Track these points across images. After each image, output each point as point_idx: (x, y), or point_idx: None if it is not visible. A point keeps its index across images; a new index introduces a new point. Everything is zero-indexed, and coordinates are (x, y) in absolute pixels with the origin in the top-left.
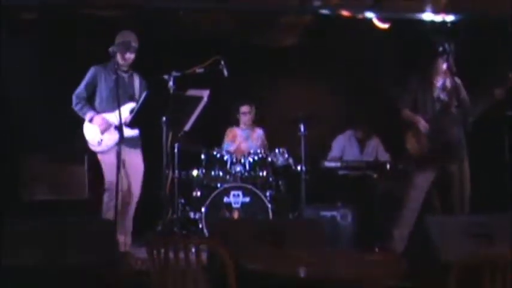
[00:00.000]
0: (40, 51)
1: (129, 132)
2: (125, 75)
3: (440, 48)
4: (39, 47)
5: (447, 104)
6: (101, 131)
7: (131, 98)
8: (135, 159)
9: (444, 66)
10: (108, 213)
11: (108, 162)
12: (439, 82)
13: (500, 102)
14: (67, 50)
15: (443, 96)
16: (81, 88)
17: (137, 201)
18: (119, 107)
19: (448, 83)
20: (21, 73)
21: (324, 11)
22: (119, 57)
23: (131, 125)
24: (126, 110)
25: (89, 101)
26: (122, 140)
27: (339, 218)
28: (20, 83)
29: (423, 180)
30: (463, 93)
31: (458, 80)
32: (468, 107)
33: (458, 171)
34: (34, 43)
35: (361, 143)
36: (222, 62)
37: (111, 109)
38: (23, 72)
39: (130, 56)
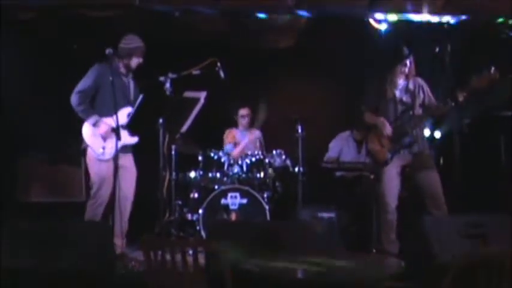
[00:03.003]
0: (38, 51)
1: (128, 139)
2: (125, 79)
3: (403, 51)
4: (37, 47)
5: (410, 106)
6: (103, 138)
7: (129, 102)
8: (128, 164)
9: (406, 68)
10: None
11: (102, 172)
12: (400, 84)
13: (462, 104)
14: (64, 51)
15: (405, 98)
16: (86, 86)
17: (131, 204)
18: (118, 108)
19: (411, 85)
20: (19, 73)
21: (320, 12)
22: (130, 61)
23: (128, 128)
24: (125, 114)
25: (90, 101)
26: (119, 145)
27: (335, 219)
28: (18, 83)
29: (392, 182)
30: (428, 94)
31: (422, 82)
32: (433, 108)
33: (426, 177)
34: (32, 43)
35: (359, 144)
36: (219, 64)
37: (110, 113)
38: (22, 73)
39: (140, 61)
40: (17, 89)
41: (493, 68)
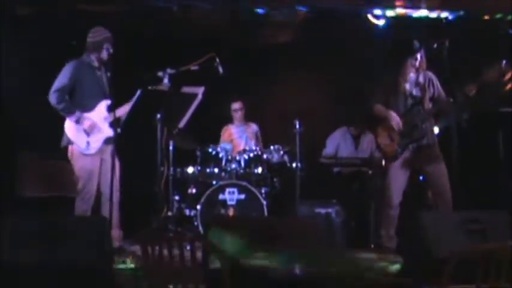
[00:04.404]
0: (36, 46)
1: (110, 132)
2: (99, 72)
3: (414, 45)
4: (36, 43)
5: (419, 99)
6: (87, 133)
7: (105, 95)
8: (111, 155)
9: (417, 62)
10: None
11: (87, 166)
12: (411, 77)
13: (472, 99)
14: (63, 47)
15: (415, 91)
16: (63, 84)
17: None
18: (111, 103)
19: (421, 78)
20: (17, 69)
21: (318, 8)
22: (101, 53)
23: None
24: (103, 107)
25: (69, 98)
26: (114, 139)
27: (333, 214)
28: (16, 79)
29: (398, 177)
30: (438, 88)
31: (432, 76)
32: (444, 102)
33: (434, 170)
34: (30, 39)
35: (356, 139)
36: (217, 59)
37: (91, 107)
38: (20, 68)
39: (111, 51)
40: (16, 84)
41: (504, 61)
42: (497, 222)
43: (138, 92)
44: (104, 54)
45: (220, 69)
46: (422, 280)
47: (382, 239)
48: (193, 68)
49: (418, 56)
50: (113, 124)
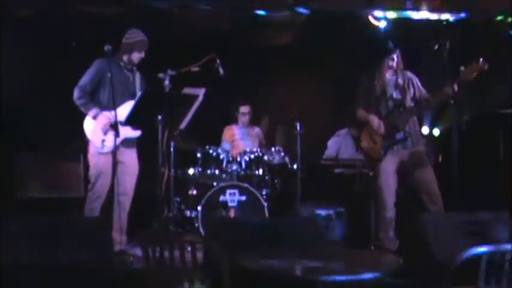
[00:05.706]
0: (37, 48)
1: (130, 133)
2: (130, 74)
3: (389, 45)
4: (36, 44)
5: (400, 101)
6: (103, 131)
7: (133, 96)
8: (131, 159)
9: (393, 63)
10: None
11: (100, 166)
12: (390, 80)
13: (452, 98)
14: (62, 48)
15: (396, 93)
16: (86, 81)
17: (131, 200)
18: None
19: (400, 80)
20: (18, 70)
21: (319, 9)
22: (131, 55)
23: (127, 123)
24: (127, 108)
25: (91, 95)
26: (121, 139)
27: (334, 216)
28: (17, 80)
29: (389, 179)
30: (418, 88)
31: (412, 76)
32: (423, 101)
33: (421, 174)
34: (31, 40)
35: (357, 141)
36: (218, 61)
37: (113, 107)
38: (20, 70)
39: (142, 55)
40: (16, 85)
41: (481, 59)
42: (497, 223)
43: (139, 93)
44: (134, 57)
45: (221, 71)
46: (423, 281)
47: (382, 241)
48: (194, 69)
49: (394, 56)
50: (115, 127)
